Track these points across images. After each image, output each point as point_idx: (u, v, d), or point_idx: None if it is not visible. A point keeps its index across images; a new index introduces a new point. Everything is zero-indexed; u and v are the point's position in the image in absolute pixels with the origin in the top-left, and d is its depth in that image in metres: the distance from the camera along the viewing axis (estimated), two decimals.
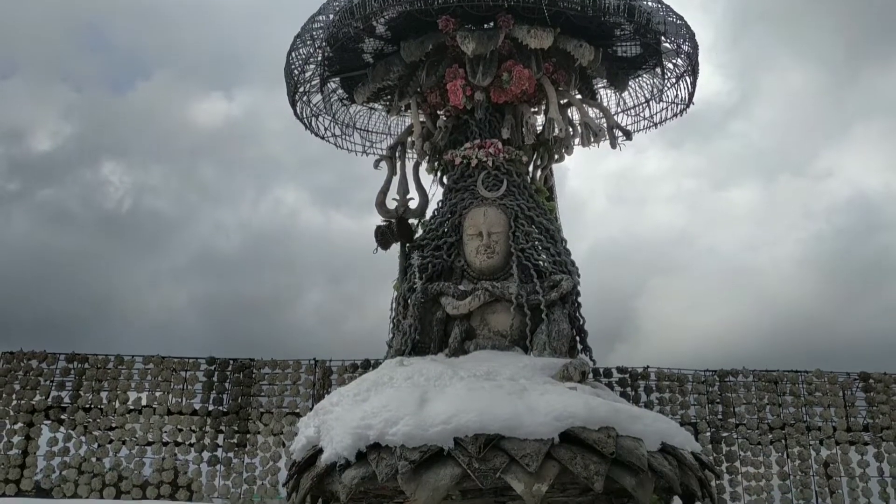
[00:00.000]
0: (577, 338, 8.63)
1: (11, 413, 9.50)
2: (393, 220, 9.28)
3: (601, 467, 5.93)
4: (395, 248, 9.36)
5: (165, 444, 9.45)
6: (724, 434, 9.81)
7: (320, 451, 6.78)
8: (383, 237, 9.24)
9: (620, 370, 9.99)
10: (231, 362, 9.91)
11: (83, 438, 9.43)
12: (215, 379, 9.79)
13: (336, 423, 6.75)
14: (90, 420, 9.52)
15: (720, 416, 9.95)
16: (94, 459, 9.35)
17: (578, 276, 8.66)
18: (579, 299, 8.66)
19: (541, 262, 8.65)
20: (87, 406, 9.58)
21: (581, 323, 8.65)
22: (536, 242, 8.81)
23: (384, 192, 9.57)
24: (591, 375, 7.95)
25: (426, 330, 8.60)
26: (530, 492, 5.74)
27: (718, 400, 10.03)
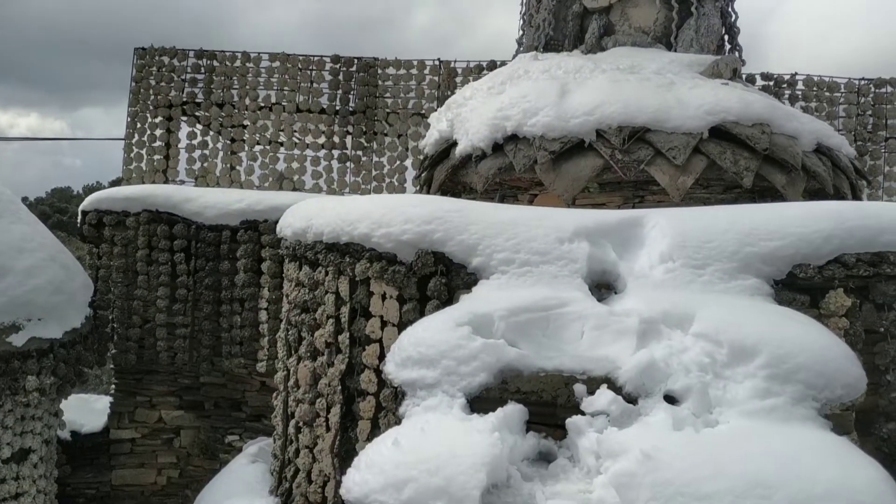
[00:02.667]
0: (727, 35, 7.93)
1: (151, 108, 9.83)
2: None
3: (752, 163, 5.64)
4: None
5: (296, 142, 9.67)
6: (872, 147, 9.21)
7: (454, 144, 6.74)
8: None
9: (765, 76, 9.27)
10: (356, 60, 9.74)
11: (220, 135, 9.75)
12: (341, 78, 9.71)
13: (471, 115, 6.62)
14: (224, 115, 9.76)
15: (869, 129, 9.28)
16: (231, 153, 9.73)
17: None
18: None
19: None
20: (220, 102, 9.77)
21: (733, 18, 7.88)
22: None
23: None
24: (742, 75, 7.38)
25: (560, 25, 8.06)
26: (675, 185, 5.57)
27: (870, 112, 9.28)
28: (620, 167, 5.67)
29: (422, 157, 7.66)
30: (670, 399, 3.42)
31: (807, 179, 5.91)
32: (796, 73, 9.38)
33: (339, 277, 4.95)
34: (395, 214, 4.64)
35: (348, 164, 9.66)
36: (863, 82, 9.37)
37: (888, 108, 9.28)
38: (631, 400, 3.43)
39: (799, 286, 4.09)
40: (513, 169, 6.05)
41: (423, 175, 7.39)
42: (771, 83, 9.32)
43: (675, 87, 6.15)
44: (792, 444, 3.01)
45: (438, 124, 7.19)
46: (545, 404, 3.59)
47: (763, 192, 5.93)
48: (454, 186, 7.33)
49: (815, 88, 9.34)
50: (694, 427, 3.16)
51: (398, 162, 9.60)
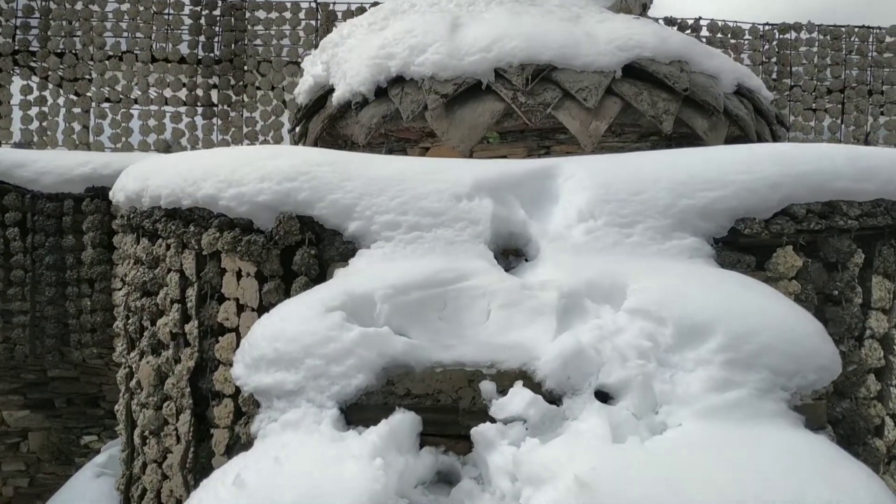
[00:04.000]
0: None
1: None
2: None
3: (671, 105, 4.94)
4: None
5: (153, 97, 8.42)
6: (777, 96, 8.81)
7: (331, 90, 5.76)
8: None
9: (668, 21, 8.68)
10: (220, 2, 8.54)
11: (60, 89, 8.37)
12: (203, 22, 8.49)
13: (349, 56, 5.66)
14: (65, 67, 8.38)
15: (774, 77, 8.87)
16: (75, 110, 8.38)
17: None
18: None
19: None
20: (60, 51, 8.38)
21: None
22: None
23: None
24: (659, 15, 6.71)
25: None
26: (587, 131, 4.81)
27: (775, 59, 8.87)
28: (524, 112, 4.85)
29: (296, 109, 6.64)
30: (603, 396, 2.65)
31: (728, 125, 5.28)
32: (700, 18, 8.84)
33: (184, 251, 3.97)
34: (249, 170, 3.69)
35: (215, 120, 8.49)
36: (767, 27, 8.93)
37: (793, 54, 8.88)
38: (554, 399, 2.64)
39: (743, 245, 3.41)
40: (399, 117, 5.15)
41: (297, 128, 6.39)
42: (674, 28, 8.74)
43: (582, 21, 5.38)
44: (766, 454, 2.29)
45: (312, 68, 6.19)
46: (444, 410, 2.75)
47: (681, 140, 5.27)
48: (334, 141, 6.37)
49: (719, 34, 8.83)
50: (639, 436, 2.39)
51: (273, 117, 8.52)
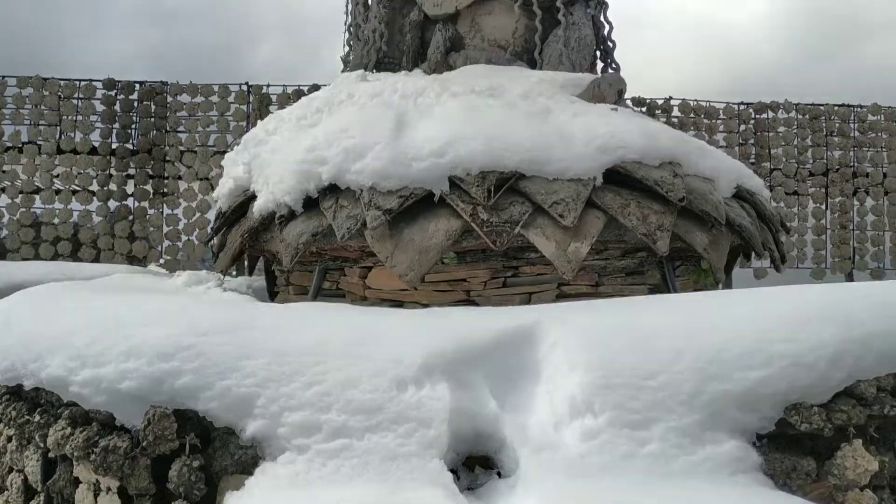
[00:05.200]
0: (600, 50, 6.45)
1: None
2: None
3: (665, 219, 4.04)
4: None
5: (58, 191, 7.33)
6: None
7: (253, 196, 4.77)
8: None
9: (637, 102, 7.93)
10: (137, 86, 7.55)
11: None
12: (118, 108, 7.48)
13: (273, 157, 4.69)
14: None
15: (753, 160, 8.15)
16: None
17: None
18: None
19: None
20: None
21: (607, 30, 6.42)
22: None
23: None
24: (629, 102, 5.91)
25: (395, 38, 6.31)
26: (564, 254, 3.86)
27: (752, 140, 8.17)
28: (487, 231, 3.90)
29: (216, 215, 5.63)
30: None
31: (731, 236, 4.40)
32: (671, 98, 8.14)
33: (27, 447, 2.89)
34: (111, 341, 2.68)
35: (131, 218, 7.41)
36: (742, 107, 8.24)
37: (771, 135, 8.18)
38: None
39: (795, 439, 2.47)
40: (333, 234, 4.16)
41: (215, 238, 5.36)
42: (643, 109, 8.00)
43: (552, 116, 4.49)
44: None
45: (233, 169, 5.21)
46: None
47: (674, 255, 4.37)
48: (259, 253, 5.37)
49: (692, 114, 8.11)
50: None
51: (198, 214, 7.47)
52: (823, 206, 8.17)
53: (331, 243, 4.29)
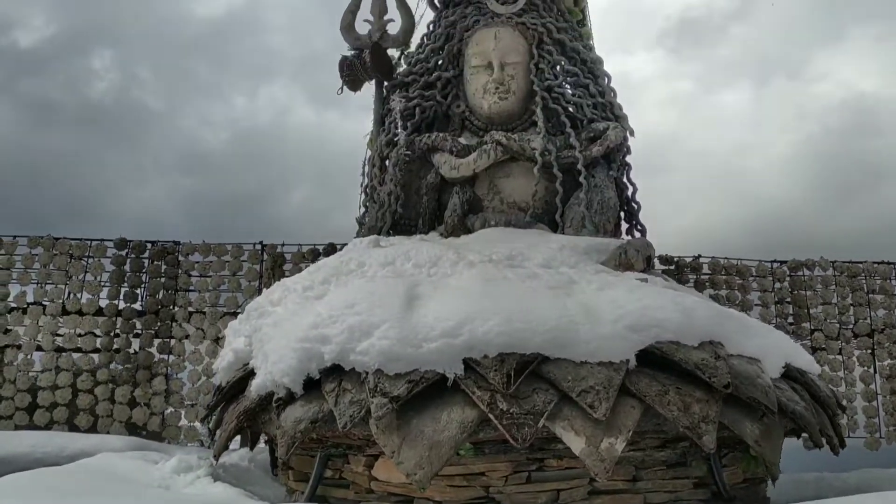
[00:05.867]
0: (624, 212, 6.19)
1: None
2: (365, 50, 6.59)
3: (710, 409, 3.56)
4: (369, 89, 6.74)
5: (60, 350, 7.00)
6: (797, 342, 7.56)
7: (253, 372, 4.38)
8: (351, 72, 6.57)
9: (665, 260, 7.58)
10: (148, 246, 7.37)
11: None
12: (127, 268, 7.27)
13: (274, 332, 4.34)
14: None
15: (791, 321, 7.67)
16: None
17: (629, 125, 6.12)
18: (629, 158, 6.16)
19: (577, 106, 6.10)
20: None
21: (631, 192, 6.19)
22: (570, 77, 6.23)
23: (353, 11, 6.82)
24: (656, 262, 5.57)
25: (412, 200, 6.13)
26: (596, 451, 3.37)
27: (789, 299, 7.73)
28: (507, 424, 3.43)
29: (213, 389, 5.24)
30: None
31: (784, 423, 3.90)
32: (699, 256, 7.79)
33: None
34: None
35: (133, 385, 7.02)
36: (776, 265, 7.87)
37: (809, 294, 7.75)
38: None
39: None
40: (334, 422, 3.72)
41: (212, 415, 4.93)
42: (671, 267, 7.65)
43: (576, 289, 4.13)
44: None
45: (235, 340, 4.87)
46: None
47: (719, 443, 3.85)
48: (258, 432, 4.92)
49: (723, 273, 7.73)
50: None
51: (203, 378, 7.07)
52: (872, 370, 7.60)
53: (332, 430, 3.84)
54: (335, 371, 3.87)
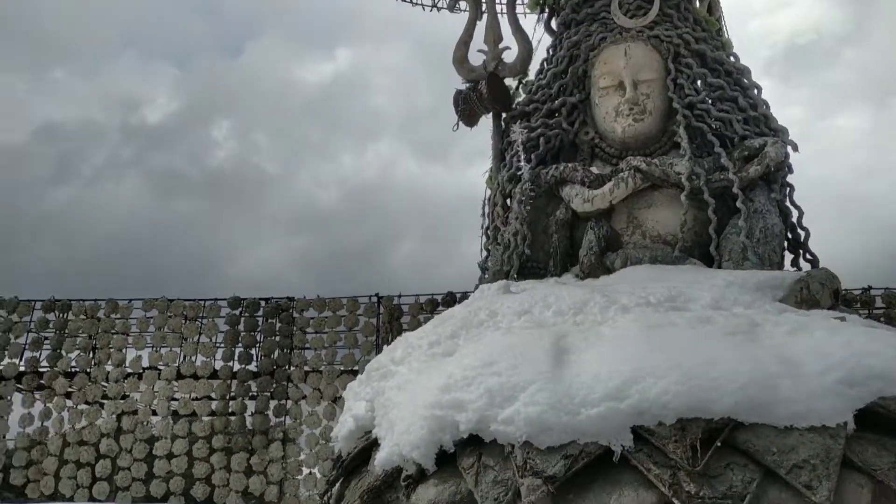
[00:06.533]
0: (789, 240, 5.34)
1: None
2: (481, 82, 6.09)
3: None
4: (486, 123, 6.22)
5: (176, 415, 6.73)
6: None
7: (376, 442, 3.82)
8: (467, 106, 6.07)
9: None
10: (262, 303, 7.05)
11: (65, 414, 6.77)
12: (241, 328, 6.96)
13: (399, 396, 3.76)
14: (75, 389, 6.85)
15: None
16: (78, 445, 6.68)
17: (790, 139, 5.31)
18: (791, 177, 5.33)
19: (725, 123, 5.36)
20: (71, 370, 6.91)
21: (797, 216, 5.34)
22: (714, 91, 5.49)
23: (465, 42, 6.37)
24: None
25: (540, 240, 5.49)
26: None
27: None
28: None
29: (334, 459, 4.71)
30: None
31: None
32: (870, 288, 6.77)
33: None
34: None
35: (249, 452, 6.62)
36: None
37: None
38: None
39: None
40: (475, 502, 3.09)
41: (333, 490, 4.38)
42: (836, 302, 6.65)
43: (762, 333, 3.36)
44: None
45: (355, 404, 4.32)
46: None
47: None
48: None
49: None
50: None
51: (321, 443, 6.59)
52: None
53: None
54: (473, 443, 3.25)
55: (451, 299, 6.80)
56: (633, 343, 3.25)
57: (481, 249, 6.12)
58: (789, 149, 5.20)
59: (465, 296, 6.13)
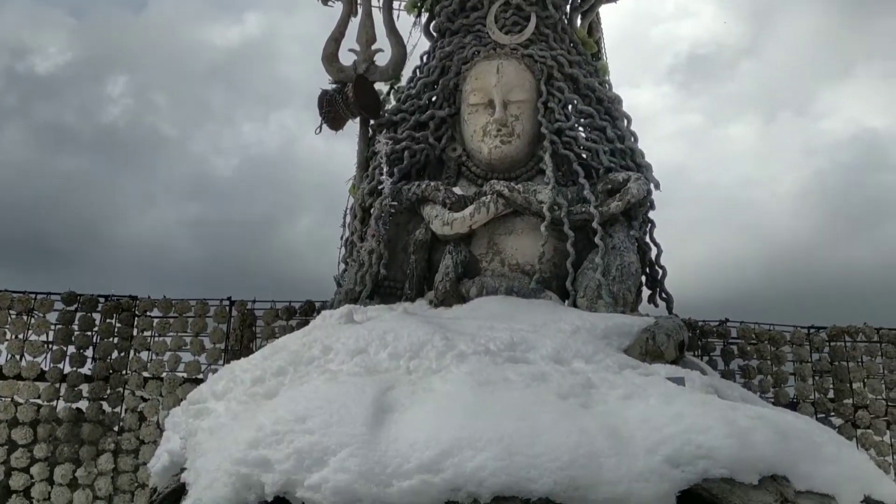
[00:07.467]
0: (646, 276, 5.29)
1: None
2: (348, 84, 5.74)
3: None
4: (353, 128, 5.89)
5: None
6: (839, 422, 6.61)
7: (184, 487, 3.46)
8: (332, 108, 5.71)
9: (688, 326, 6.63)
10: (101, 301, 6.46)
11: None
12: (76, 327, 6.37)
13: (209, 443, 3.42)
14: None
15: (831, 397, 6.72)
16: None
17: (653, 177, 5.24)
18: (652, 214, 5.27)
19: (593, 152, 5.23)
20: None
21: (655, 254, 5.28)
22: (584, 119, 5.36)
23: (336, 38, 5.99)
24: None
25: (398, 259, 5.25)
26: None
27: (828, 370, 6.79)
28: None
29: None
30: None
31: None
32: (727, 320, 6.87)
33: None
34: None
35: (75, 463, 6.08)
36: (812, 331, 6.94)
37: (852, 366, 6.80)
38: None
39: None
40: None
41: None
42: (696, 333, 6.72)
43: (596, 397, 3.20)
44: None
45: (172, 436, 3.95)
46: None
47: None
48: None
49: (753, 340, 6.80)
50: None
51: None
52: None
53: None
54: None
55: (309, 308, 6.45)
56: (460, 405, 3.02)
57: (338, 262, 5.80)
58: (652, 186, 5.13)
59: (324, 305, 5.80)
